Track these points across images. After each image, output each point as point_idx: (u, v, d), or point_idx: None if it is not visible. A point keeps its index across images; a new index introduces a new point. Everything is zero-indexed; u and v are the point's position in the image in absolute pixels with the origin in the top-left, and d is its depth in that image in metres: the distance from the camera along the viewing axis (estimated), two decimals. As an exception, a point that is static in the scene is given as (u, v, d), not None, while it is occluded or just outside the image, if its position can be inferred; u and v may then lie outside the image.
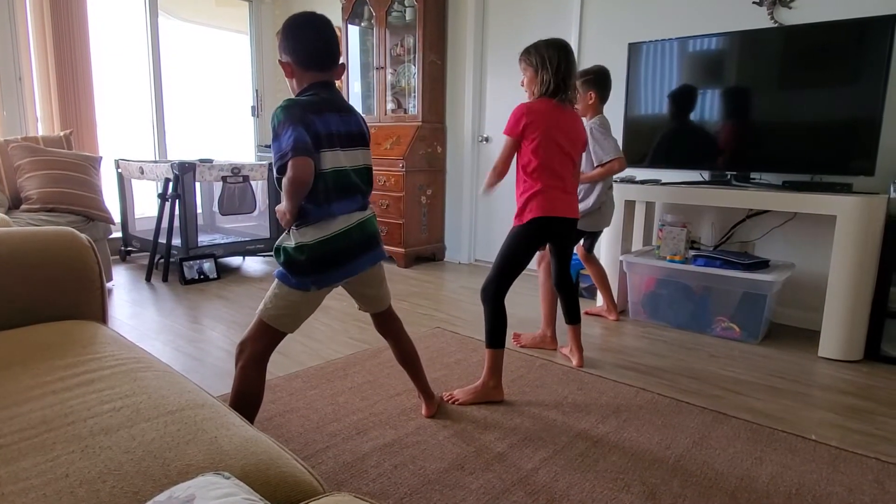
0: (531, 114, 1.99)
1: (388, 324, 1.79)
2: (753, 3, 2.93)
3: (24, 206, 3.20)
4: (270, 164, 3.99)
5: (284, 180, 1.38)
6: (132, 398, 0.98)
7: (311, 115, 1.44)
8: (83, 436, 0.86)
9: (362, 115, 1.63)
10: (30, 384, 1.03)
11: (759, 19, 2.91)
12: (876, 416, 1.98)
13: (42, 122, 3.90)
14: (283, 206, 1.45)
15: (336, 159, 1.48)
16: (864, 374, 2.36)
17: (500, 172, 2.04)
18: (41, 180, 3.24)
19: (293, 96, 1.52)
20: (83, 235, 1.53)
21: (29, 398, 0.98)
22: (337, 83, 1.58)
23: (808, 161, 2.68)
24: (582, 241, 2.93)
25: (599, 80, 2.69)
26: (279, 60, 1.54)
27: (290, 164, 1.36)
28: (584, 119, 2.73)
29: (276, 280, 1.51)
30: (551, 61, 1.99)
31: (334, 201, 1.48)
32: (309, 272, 1.47)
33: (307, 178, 1.38)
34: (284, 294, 1.50)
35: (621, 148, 3.12)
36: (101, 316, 1.52)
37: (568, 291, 2.31)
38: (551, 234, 2.11)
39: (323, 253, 1.47)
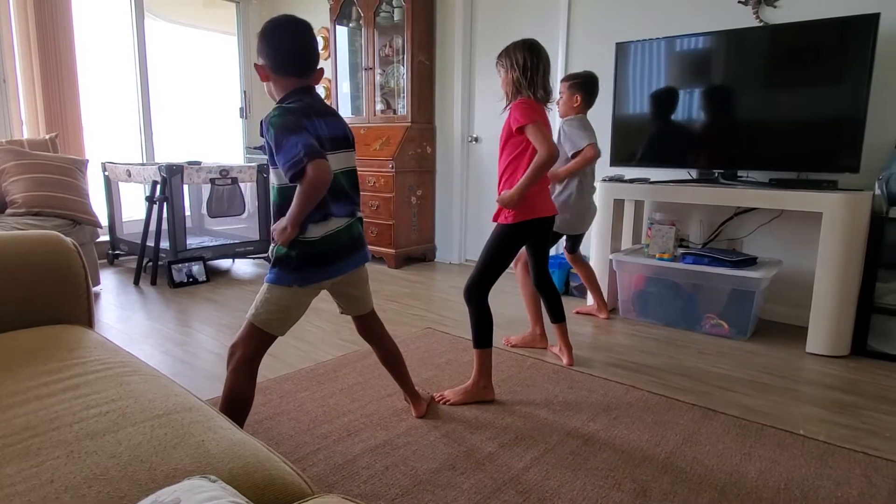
0: (535, 106, 1.97)
1: (370, 327, 1.80)
2: (739, 2, 2.96)
3: (9, 210, 3.16)
4: (259, 166, 3.97)
5: (303, 185, 1.35)
6: (118, 402, 0.97)
7: (308, 119, 1.45)
8: (68, 441, 0.85)
9: (343, 119, 1.63)
10: (14, 389, 1.02)
11: (745, 18, 2.94)
12: (863, 410, 2.00)
13: (27, 124, 3.86)
14: (284, 220, 1.43)
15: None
16: (851, 369, 2.38)
17: (555, 155, 1.92)
18: (26, 184, 3.20)
19: (275, 102, 1.53)
20: (68, 239, 1.51)
21: (13, 404, 0.97)
22: (318, 88, 1.59)
23: (794, 159, 2.70)
24: (564, 244, 2.94)
25: (587, 85, 2.70)
26: (254, 63, 1.54)
27: (308, 168, 1.32)
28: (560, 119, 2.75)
29: (266, 284, 1.52)
30: (518, 63, 1.99)
31: (331, 203, 1.50)
32: (295, 269, 1.48)
33: (328, 178, 1.36)
34: (275, 298, 1.50)
35: (610, 147, 3.15)
36: (88, 320, 1.51)
37: (549, 291, 2.32)
38: (532, 233, 2.12)
39: (313, 252, 1.49)
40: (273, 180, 1.50)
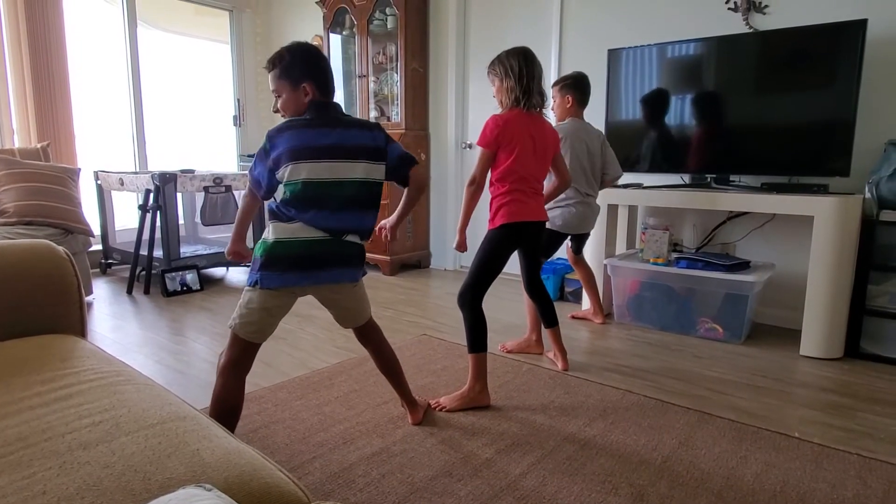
0: (506, 126, 2.01)
1: (369, 336, 1.80)
2: (729, 9, 2.99)
3: (0, 220, 3.14)
4: (253, 174, 3.97)
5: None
6: (112, 412, 0.97)
7: (289, 131, 1.52)
8: (61, 451, 0.84)
9: (372, 131, 1.60)
10: (6, 400, 1.01)
11: (735, 25, 2.97)
12: (857, 412, 2.01)
13: (18, 133, 3.84)
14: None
15: (298, 172, 1.50)
16: (844, 371, 2.39)
17: (479, 185, 2.07)
18: (18, 193, 3.18)
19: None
20: (60, 248, 1.51)
21: (5, 414, 0.96)
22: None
23: (785, 163, 2.72)
24: (570, 244, 2.94)
25: (576, 84, 2.72)
26: (302, 86, 1.56)
27: (244, 194, 1.63)
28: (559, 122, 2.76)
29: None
30: (513, 70, 2.01)
31: (301, 209, 1.51)
32: (259, 268, 1.51)
33: (247, 211, 1.67)
34: (245, 301, 1.53)
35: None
36: (81, 330, 1.49)
37: (541, 296, 2.32)
38: (522, 238, 2.12)
39: (277, 254, 1.50)
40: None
